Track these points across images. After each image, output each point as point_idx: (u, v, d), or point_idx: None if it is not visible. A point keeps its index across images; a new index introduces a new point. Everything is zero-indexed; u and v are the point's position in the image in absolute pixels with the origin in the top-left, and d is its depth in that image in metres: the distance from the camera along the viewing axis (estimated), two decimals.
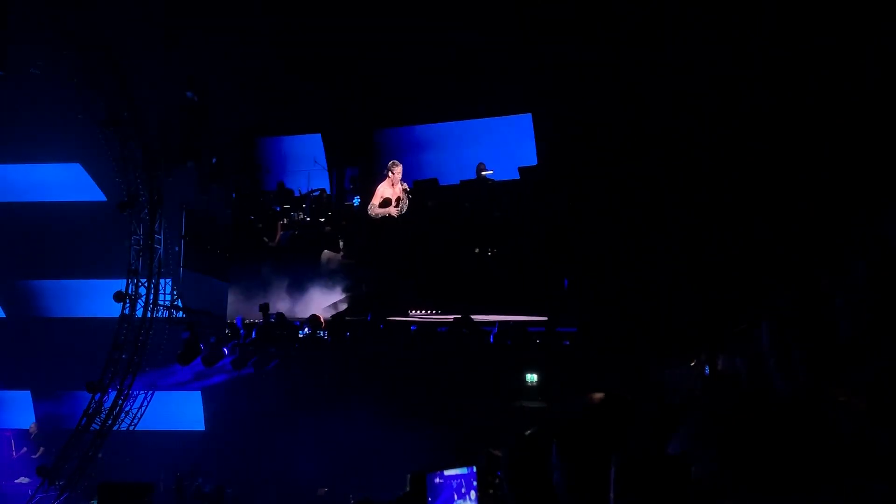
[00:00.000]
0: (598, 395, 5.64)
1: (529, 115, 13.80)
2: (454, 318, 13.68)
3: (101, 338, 13.81)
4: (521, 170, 13.76)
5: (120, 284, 14.30)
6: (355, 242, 15.25)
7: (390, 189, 14.41)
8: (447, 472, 4.03)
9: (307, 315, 14.67)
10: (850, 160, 9.48)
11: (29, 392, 16.39)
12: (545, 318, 13.23)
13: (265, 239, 15.37)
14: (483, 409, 13.47)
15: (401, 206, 14.38)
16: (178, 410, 16.05)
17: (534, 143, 13.72)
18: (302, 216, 15.41)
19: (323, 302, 14.89)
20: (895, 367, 1.68)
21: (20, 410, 16.23)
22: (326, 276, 15.25)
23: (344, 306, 14.87)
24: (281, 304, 14.96)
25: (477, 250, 14.16)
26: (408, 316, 14.29)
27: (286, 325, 14.55)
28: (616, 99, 12.46)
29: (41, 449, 14.89)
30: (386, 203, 14.39)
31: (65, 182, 15.77)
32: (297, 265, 15.31)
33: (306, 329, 14.52)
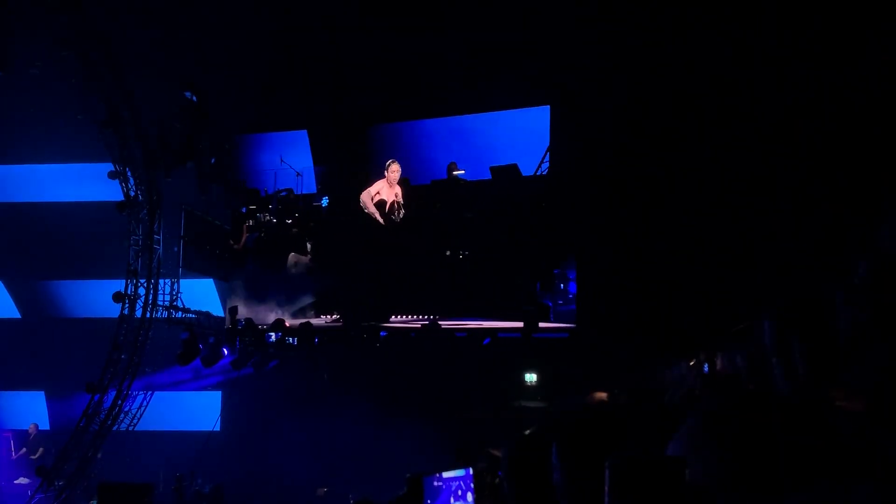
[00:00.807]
0: (599, 395, 5.65)
1: (547, 107, 13.36)
2: (422, 325, 13.39)
3: None
4: (493, 169, 13.33)
5: (204, 286, 14.43)
6: (324, 244, 14.84)
7: (388, 189, 14.08)
8: (445, 475, 4.03)
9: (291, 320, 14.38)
10: (851, 161, 9.47)
11: (43, 392, 16.41)
12: (521, 325, 12.79)
13: (231, 241, 15.09)
14: (483, 409, 13.48)
15: (395, 214, 13.99)
16: (178, 411, 16.07)
17: (548, 137, 13.32)
18: (268, 217, 14.99)
19: (293, 306, 14.65)
20: (895, 368, 1.68)
21: (35, 411, 16.27)
22: (293, 279, 14.78)
23: (312, 311, 14.58)
24: (257, 308, 14.75)
25: (448, 252, 13.71)
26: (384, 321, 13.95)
27: (253, 329, 14.33)
28: (616, 97, 12.39)
29: (40, 449, 14.89)
30: (381, 205, 14.01)
31: (91, 182, 15.71)
32: (264, 268, 14.94)
33: (273, 335, 14.28)
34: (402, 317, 13.95)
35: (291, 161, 14.88)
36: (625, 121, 12.39)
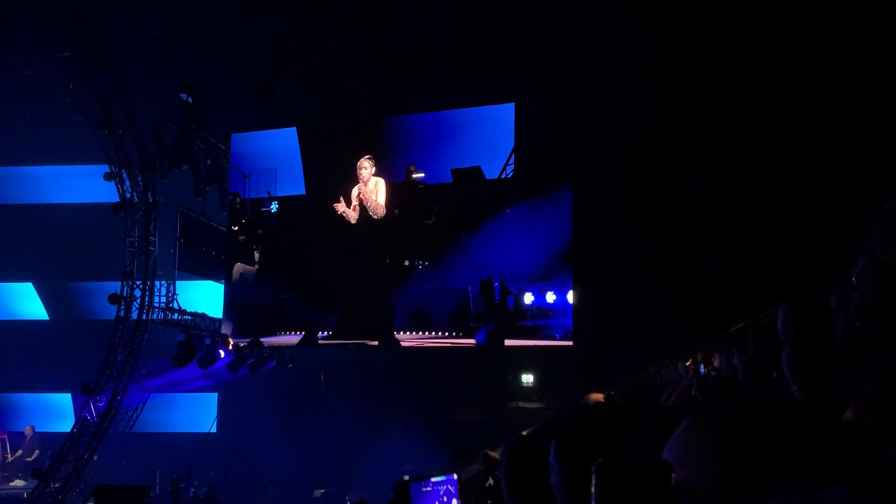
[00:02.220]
0: (596, 396, 5.64)
1: (512, 104, 12.63)
2: (379, 342, 12.93)
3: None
4: (455, 172, 12.67)
5: (200, 288, 14.38)
6: (273, 254, 13.95)
7: (363, 188, 13.27)
8: (434, 480, 4.07)
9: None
10: (850, 164, 9.47)
11: (70, 395, 16.34)
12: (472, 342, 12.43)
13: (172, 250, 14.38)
14: (480, 410, 13.47)
15: (371, 208, 13.09)
16: (174, 412, 16.03)
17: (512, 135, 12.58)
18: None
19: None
20: (891, 374, 1.68)
21: (62, 413, 16.21)
22: (240, 291, 13.98)
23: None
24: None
25: (406, 263, 12.99)
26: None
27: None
28: (613, 94, 12.22)
29: (36, 451, 14.86)
30: (360, 208, 13.24)
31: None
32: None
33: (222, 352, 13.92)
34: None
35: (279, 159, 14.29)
36: (624, 116, 12.15)
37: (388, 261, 13.21)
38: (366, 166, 13.28)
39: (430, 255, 12.93)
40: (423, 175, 13.08)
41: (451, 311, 12.73)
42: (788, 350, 2.02)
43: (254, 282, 14.10)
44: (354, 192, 13.43)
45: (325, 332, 13.43)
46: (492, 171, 12.75)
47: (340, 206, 13.33)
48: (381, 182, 13.33)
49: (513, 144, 12.64)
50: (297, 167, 14.14)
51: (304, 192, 14.15)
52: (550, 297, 12.30)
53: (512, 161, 12.61)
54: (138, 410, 14.95)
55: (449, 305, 12.74)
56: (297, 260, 13.84)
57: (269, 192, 14.10)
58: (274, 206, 14.01)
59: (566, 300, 12.22)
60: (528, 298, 12.35)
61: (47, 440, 14.89)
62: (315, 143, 14.25)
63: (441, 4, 12.10)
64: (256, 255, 14.14)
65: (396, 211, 13.21)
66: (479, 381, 13.70)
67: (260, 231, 14.14)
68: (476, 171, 12.60)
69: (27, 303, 17.09)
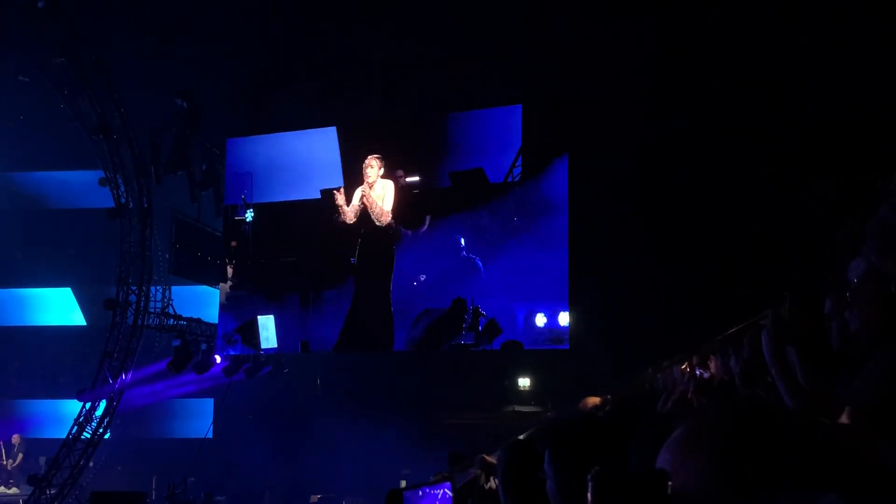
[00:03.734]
0: (592, 400, 5.62)
1: (520, 106, 12.01)
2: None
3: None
4: (453, 175, 11.91)
5: (196, 293, 14.19)
6: (248, 268, 13.00)
7: (367, 191, 12.46)
8: (428, 487, 4.08)
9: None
10: (850, 164, 9.47)
11: (104, 403, 16.22)
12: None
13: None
14: (477, 414, 13.45)
15: (375, 215, 12.22)
16: (171, 418, 15.98)
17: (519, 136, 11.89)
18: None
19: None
20: (890, 376, 1.67)
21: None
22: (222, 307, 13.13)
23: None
24: None
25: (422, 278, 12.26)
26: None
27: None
28: (612, 93, 12.17)
29: (20, 455, 14.83)
30: (361, 213, 12.48)
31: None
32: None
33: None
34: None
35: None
36: (623, 116, 12.03)
37: (392, 271, 12.38)
38: (373, 165, 12.35)
39: (428, 267, 12.13)
40: (416, 179, 12.24)
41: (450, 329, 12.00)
42: (773, 354, 2.01)
43: (225, 299, 13.59)
44: (358, 192, 12.59)
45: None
46: (497, 176, 11.99)
47: (340, 198, 12.47)
48: (390, 185, 12.39)
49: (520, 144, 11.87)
50: (296, 172, 13.53)
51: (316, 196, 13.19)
52: (564, 318, 11.39)
53: (519, 163, 11.81)
54: (134, 416, 14.87)
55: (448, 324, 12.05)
56: (290, 269, 13.10)
57: (243, 199, 13.38)
58: (249, 215, 13.20)
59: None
60: (541, 321, 11.44)
61: (41, 446, 14.86)
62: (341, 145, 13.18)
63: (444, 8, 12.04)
64: (230, 270, 13.37)
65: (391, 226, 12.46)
66: (475, 384, 13.68)
67: (234, 244, 13.38)
68: (478, 174, 11.79)
69: (65, 308, 16.93)
